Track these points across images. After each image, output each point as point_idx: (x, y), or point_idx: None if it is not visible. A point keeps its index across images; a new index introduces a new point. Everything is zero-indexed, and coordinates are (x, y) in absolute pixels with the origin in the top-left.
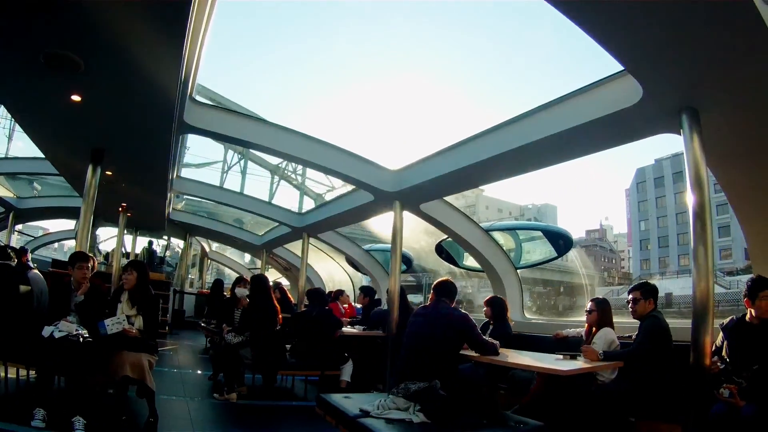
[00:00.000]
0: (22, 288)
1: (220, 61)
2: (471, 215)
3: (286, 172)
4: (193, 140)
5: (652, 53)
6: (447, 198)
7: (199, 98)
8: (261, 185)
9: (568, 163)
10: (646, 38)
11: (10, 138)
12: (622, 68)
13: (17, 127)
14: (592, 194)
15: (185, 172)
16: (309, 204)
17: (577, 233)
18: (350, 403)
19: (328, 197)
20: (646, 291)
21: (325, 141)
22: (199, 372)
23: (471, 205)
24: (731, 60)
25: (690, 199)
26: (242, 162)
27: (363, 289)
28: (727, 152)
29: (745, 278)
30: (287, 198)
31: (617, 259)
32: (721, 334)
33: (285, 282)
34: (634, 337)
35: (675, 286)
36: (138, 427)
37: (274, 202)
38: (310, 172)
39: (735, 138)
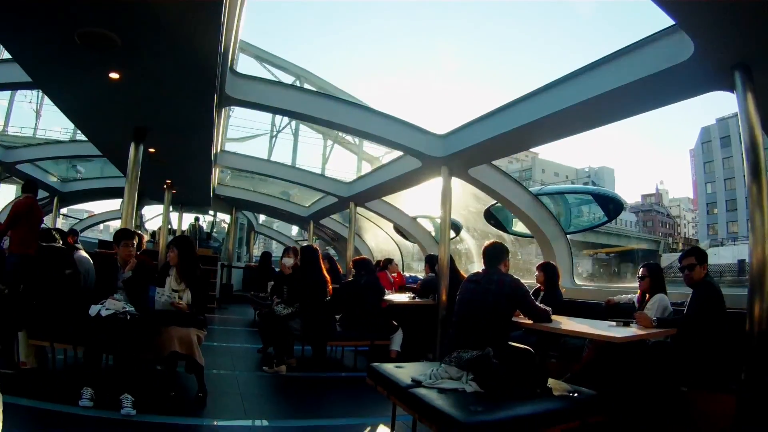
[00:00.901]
0: (66, 272)
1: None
2: (527, 179)
3: (339, 135)
4: (238, 109)
5: (704, 7)
6: (499, 162)
7: (240, 68)
8: (314, 149)
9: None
10: None
11: (38, 115)
12: (671, 23)
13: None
14: (650, 156)
15: (229, 146)
16: (366, 168)
17: (633, 197)
18: (402, 372)
19: (386, 159)
20: (700, 256)
21: (370, 107)
22: (248, 345)
23: (527, 169)
24: None
25: (745, 161)
26: (293, 124)
27: (428, 258)
28: None
29: None
30: (343, 162)
31: (674, 224)
32: None
33: (332, 252)
34: (687, 303)
35: (748, 252)
36: (188, 402)
37: (328, 166)
38: None
39: None
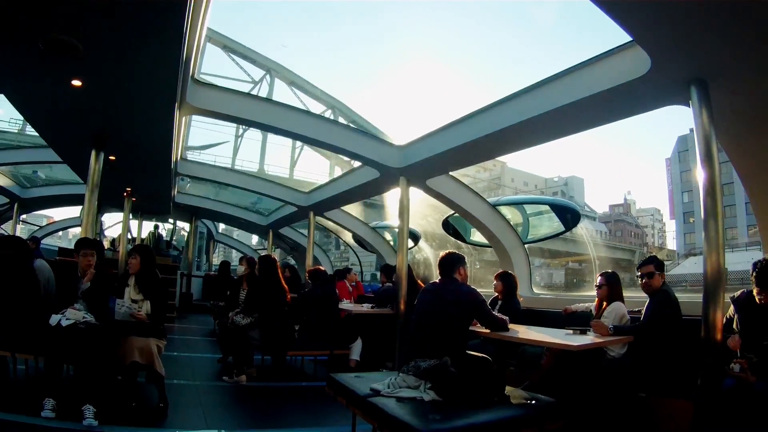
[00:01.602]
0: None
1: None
2: (496, 188)
3: None
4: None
5: (660, 24)
6: (468, 170)
7: (206, 57)
8: (283, 150)
9: (595, 132)
10: (655, 7)
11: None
12: (628, 40)
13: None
14: (618, 166)
15: (191, 154)
16: (338, 171)
17: (601, 207)
18: (360, 382)
19: (357, 163)
20: (658, 265)
21: (328, 118)
22: (208, 355)
23: (496, 178)
24: (741, 31)
25: (700, 174)
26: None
27: (384, 268)
28: (737, 127)
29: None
30: (313, 164)
31: (643, 234)
32: (732, 306)
33: (292, 262)
34: (643, 311)
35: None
36: (149, 412)
37: (297, 169)
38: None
39: (745, 112)
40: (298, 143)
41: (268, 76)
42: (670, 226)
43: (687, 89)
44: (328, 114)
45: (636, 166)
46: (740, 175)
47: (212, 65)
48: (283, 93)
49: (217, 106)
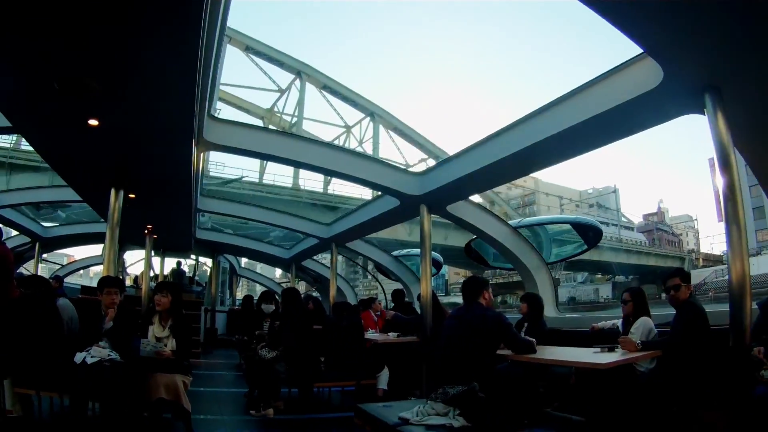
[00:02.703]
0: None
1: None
2: (530, 203)
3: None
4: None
5: (672, 34)
6: (499, 189)
7: (226, 59)
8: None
9: (625, 143)
10: (665, 18)
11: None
12: (639, 52)
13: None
14: (651, 174)
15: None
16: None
17: (636, 217)
18: (389, 411)
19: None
20: (684, 277)
21: (347, 148)
22: (234, 390)
23: (529, 193)
24: (753, 37)
25: (719, 180)
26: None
27: (393, 294)
28: (753, 131)
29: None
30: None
31: (679, 242)
32: (759, 313)
33: (315, 294)
34: (671, 324)
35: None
36: None
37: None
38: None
39: (760, 116)
40: None
41: (297, 81)
42: (704, 231)
43: (701, 97)
44: (366, 121)
45: (666, 173)
46: (759, 179)
47: (233, 71)
48: (315, 99)
49: (234, 141)
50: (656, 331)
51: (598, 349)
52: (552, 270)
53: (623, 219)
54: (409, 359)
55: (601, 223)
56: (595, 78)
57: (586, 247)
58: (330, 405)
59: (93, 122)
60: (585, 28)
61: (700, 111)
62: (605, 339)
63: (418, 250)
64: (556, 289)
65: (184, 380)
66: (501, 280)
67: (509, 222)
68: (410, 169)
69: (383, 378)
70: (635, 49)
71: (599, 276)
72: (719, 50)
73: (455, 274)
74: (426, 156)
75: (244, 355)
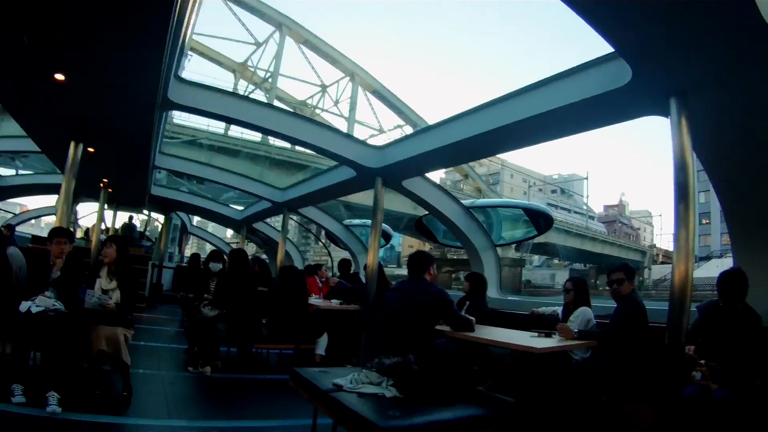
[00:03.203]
0: None
1: None
2: (494, 183)
3: (315, 110)
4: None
5: (643, 37)
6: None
7: (203, 9)
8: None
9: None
10: (637, 22)
11: None
12: (612, 51)
13: None
14: (617, 166)
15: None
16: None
17: (597, 208)
18: (324, 377)
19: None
20: (628, 272)
21: (309, 118)
22: (174, 345)
23: (494, 173)
24: (722, 47)
25: (674, 182)
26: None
27: (340, 263)
28: (713, 137)
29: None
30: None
31: (637, 236)
32: (698, 315)
33: (264, 257)
34: (611, 317)
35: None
36: (112, 401)
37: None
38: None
39: (723, 125)
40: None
41: (277, 34)
42: (662, 229)
43: (666, 101)
44: (346, 81)
45: (630, 168)
46: (714, 185)
47: (209, 20)
48: (292, 55)
49: (198, 103)
50: (594, 322)
51: (536, 334)
52: (520, 250)
53: (584, 208)
54: (349, 327)
55: (564, 210)
56: (569, 69)
57: (536, 233)
58: (268, 367)
59: (59, 77)
60: (570, 21)
61: (665, 114)
62: (545, 325)
63: (369, 220)
64: (503, 270)
65: (125, 333)
66: (456, 257)
67: (463, 202)
68: (370, 142)
69: (322, 344)
70: (609, 48)
71: (557, 261)
72: (688, 58)
73: (409, 247)
74: (403, 123)
75: (187, 312)
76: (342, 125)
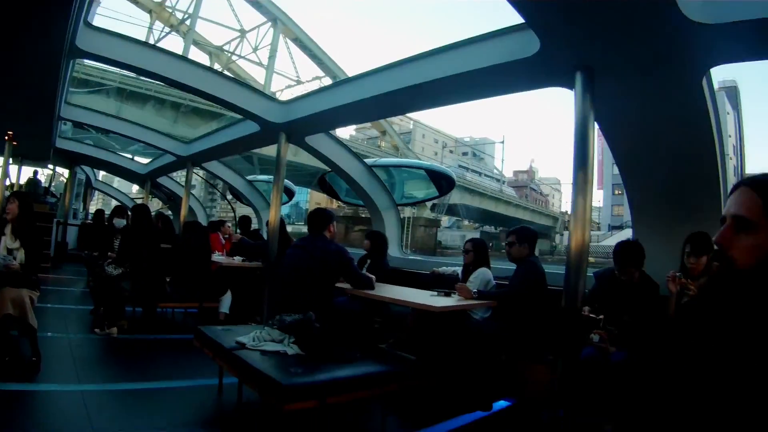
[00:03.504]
0: None
1: None
2: (406, 143)
3: (232, 57)
4: None
5: (551, 10)
6: (381, 122)
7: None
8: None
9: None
10: None
11: None
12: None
13: None
14: (533, 132)
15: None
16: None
17: (508, 172)
18: (227, 335)
19: (286, 96)
20: (520, 236)
21: (214, 69)
22: (81, 307)
23: (406, 132)
24: (628, 25)
25: (573, 152)
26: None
27: (240, 220)
28: (616, 115)
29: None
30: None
31: (546, 202)
32: (595, 281)
33: (168, 213)
34: (510, 279)
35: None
36: (22, 366)
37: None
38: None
39: (625, 102)
40: (218, 64)
41: None
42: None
43: (572, 74)
44: (267, 26)
45: (540, 135)
46: (615, 158)
47: None
48: None
49: (108, 52)
50: (494, 283)
51: (435, 293)
52: (435, 211)
53: (495, 172)
54: (252, 285)
55: (475, 173)
56: (479, 36)
57: (438, 194)
58: (173, 326)
59: None
60: None
61: (570, 87)
62: (445, 284)
63: (272, 176)
64: (419, 231)
65: (31, 295)
66: (367, 215)
67: (366, 161)
68: (288, 93)
69: (225, 302)
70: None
71: (467, 223)
72: (594, 32)
73: (317, 204)
74: (323, 74)
75: (92, 271)
76: (260, 74)
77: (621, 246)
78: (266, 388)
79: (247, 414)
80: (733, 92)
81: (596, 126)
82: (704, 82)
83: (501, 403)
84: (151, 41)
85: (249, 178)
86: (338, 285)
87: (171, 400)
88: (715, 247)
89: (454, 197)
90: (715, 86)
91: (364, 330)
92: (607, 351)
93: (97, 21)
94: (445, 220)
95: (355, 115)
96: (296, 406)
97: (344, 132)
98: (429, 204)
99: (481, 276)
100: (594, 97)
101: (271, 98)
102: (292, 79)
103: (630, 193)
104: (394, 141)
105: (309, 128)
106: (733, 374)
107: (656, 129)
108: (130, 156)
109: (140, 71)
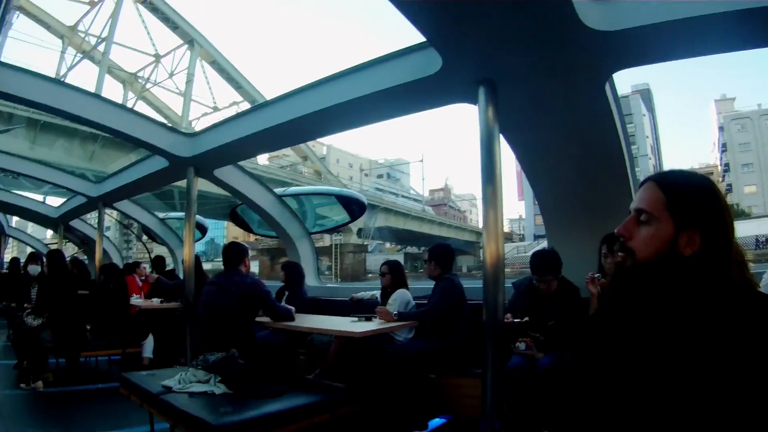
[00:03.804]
0: None
1: None
2: (322, 168)
3: (146, 84)
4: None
5: (450, 27)
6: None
7: None
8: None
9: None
10: (443, 12)
11: None
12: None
13: None
14: (444, 150)
15: None
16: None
17: (424, 191)
18: (153, 380)
19: (202, 124)
20: (433, 254)
21: (117, 102)
22: (4, 361)
23: (321, 157)
24: (528, 37)
25: (481, 167)
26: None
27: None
28: (520, 125)
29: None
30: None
31: (464, 218)
32: (514, 291)
33: (84, 258)
34: (429, 297)
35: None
36: None
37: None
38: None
39: (529, 113)
40: (131, 94)
41: None
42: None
43: (475, 89)
44: (184, 50)
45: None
46: (523, 168)
47: None
48: (130, 18)
49: (14, 89)
50: (413, 303)
51: (356, 319)
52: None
53: (412, 192)
54: (173, 326)
55: (392, 194)
56: (381, 57)
57: (350, 219)
58: (98, 374)
59: None
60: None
61: (474, 102)
62: (366, 309)
63: (183, 213)
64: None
65: None
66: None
67: (276, 190)
68: (204, 121)
69: (148, 346)
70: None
71: (389, 245)
72: (494, 46)
73: (234, 238)
74: (241, 99)
75: (11, 323)
76: (177, 102)
77: (537, 256)
78: (199, 430)
79: None
80: (647, 95)
81: (502, 138)
82: (608, 87)
83: (437, 421)
84: (64, 69)
85: (161, 216)
86: (258, 319)
87: None
88: (619, 238)
89: (379, 220)
90: (629, 90)
91: (289, 362)
92: (534, 358)
93: (9, 45)
94: (367, 244)
95: (264, 143)
96: None
97: (262, 159)
98: (355, 229)
99: (400, 297)
100: (497, 110)
101: (178, 131)
102: (208, 106)
103: (541, 201)
104: (316, 166)
105: (218, 161)
106: (643, 366)
107: (561, 135)
108: (41, 198)
109: (46, 108)
